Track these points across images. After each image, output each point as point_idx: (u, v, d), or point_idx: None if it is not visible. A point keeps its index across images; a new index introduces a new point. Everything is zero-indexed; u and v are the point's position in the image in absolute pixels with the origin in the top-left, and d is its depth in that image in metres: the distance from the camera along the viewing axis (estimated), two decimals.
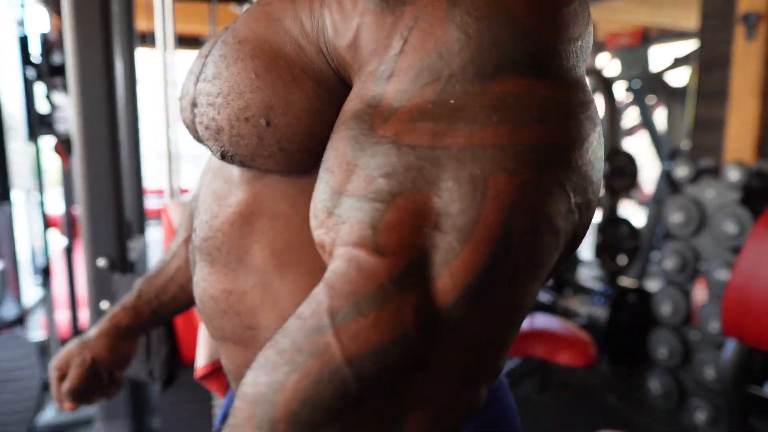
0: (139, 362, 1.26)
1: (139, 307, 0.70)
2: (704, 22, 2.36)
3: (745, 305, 1.68)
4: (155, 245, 2.07)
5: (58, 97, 2.17)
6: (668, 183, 2.96)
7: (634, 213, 4.26)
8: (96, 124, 1.41)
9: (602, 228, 2.88)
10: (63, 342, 2.42)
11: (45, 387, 1.97)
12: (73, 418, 2.08)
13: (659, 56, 4.12)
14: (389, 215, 0.29)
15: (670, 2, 3.44)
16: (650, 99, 4.03)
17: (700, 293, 2.15)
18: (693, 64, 3.34)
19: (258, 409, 0.27)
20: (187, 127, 0.57)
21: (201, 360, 0.94)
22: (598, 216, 2.92)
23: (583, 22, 0.34)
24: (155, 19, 1.47)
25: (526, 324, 1.86)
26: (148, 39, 2.13)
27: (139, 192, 1.77)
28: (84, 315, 2.01)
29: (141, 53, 1.74)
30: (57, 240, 3.03)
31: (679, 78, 3.94)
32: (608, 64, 4.31)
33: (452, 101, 0.30)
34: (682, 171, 2.27)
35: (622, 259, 2.88)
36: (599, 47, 4.22)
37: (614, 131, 2.92)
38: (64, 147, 2.03)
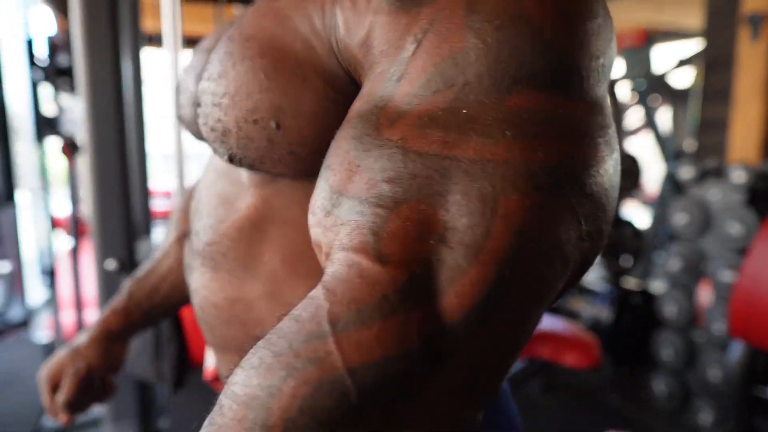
0: (148, 364, 1.27)
1: (130, 310, 0.68)
2: (709, 22, 2.36)
3: (752, 307, 1.68)
4: None
5: (65, 99, 2.18)
6: (672, 184, 2.96)
7: (638, 214, 4.25)
8: (104, 126, 1.41)
9: None
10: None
11: None
12: (80, 419, 2.08)
13: (663, 57, 4.12)
14: (392, 223, 0.28)
15: (674, 1, 3.44)
16: (654, 100, 4.03)
17: (704, 294, 2.15)
18: (697, 64, 3.34)
19: (251, 412, 0.26)
20: (186, 124, 0.55)
21: (211, 361, 0.95)
22: None
23: (607, 39, 0.32)
24: (162, 20, 1.48)
25: None
26: (154, 40, 2.13)
27: (145, 193, 1.78)
28: (90, 316, 2.02)
29: (147, 53, 1.74)
30: (63, 241, 3.04)
31: (683, 79, 3.94)
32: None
33: (464, 111, 0.29)
34: (686, 172, 2.27)
35: (626, 260, 2.88)
36: None
37: (618, 132, 2.92)
38: (70, 149, 2.03)
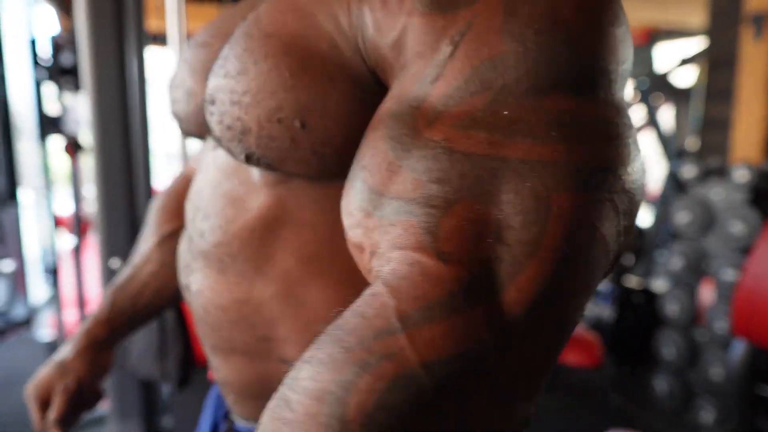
0: (153, 362, 1.27)
1: (113, 319, 0.66)
2: (712, 21, 2.36)
3: (754, 306, 1.69)
4: None
5: (68, 98, 2.18)
6: (675, 183, 2.96)
7: (640, 213, 4.25)
8: (109, 125, 1.42)
9: None
10: None
11: None
12: (84, 418, 2.09)
13: (666, 56, 4.11)
14: (447, 222, 0.29)
15: (677, 0, 3.43)
16: (657, 98, 4.03)
17: (706, 293, 2.15)
18: (700, 63, 3.34)
19: (325, 407, 0.26)
20: (181, 120, 0.53)
21: None
22: None
23: (629, 45, 0.34)
24: (167, 19, 1.48)
25: None
26: (158, 39, 2.13)
27: (149, 192, 1.78)
28: None
29: (152, 53, 1.75)
30: (66, 240, 3.04)
31: (686, 78, 3.94)
32: None
33: (506, 112, 0.30)
34: (689, 171, 2.27)
35: (628, 259, 2.88)
36: None
37: None
38: (73, 147, 2.04)
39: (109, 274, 1.46)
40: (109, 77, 1.39)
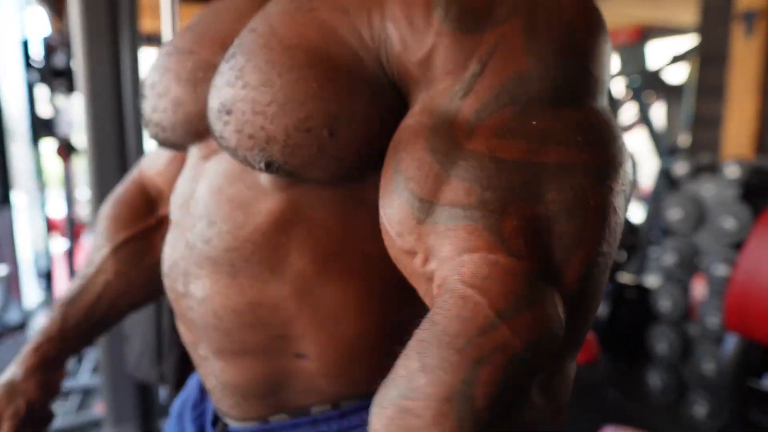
0: (150, 365, 1.27)
1: (66, 334, 0.63)
2: (703, 19, 2.38)
3: (746, 300, 1.71)
4: None
5: (60, 100, 2.17)
6: (667, 179, 2.99)
7: (632, 209, 4.28)
8: (103, 126, 1.41)
9: None
10: None
11: None
12: (80, 422, 2.08)
13: (657, 53, 4.14)
14: (508, 223, 0.33)
15: None
16: (648, 96, 4.06)
17: (698, 289, 2.17)
18: (692, 60, 3.36)
19: (455, 405, 0.30)
20: (163, 128, 0.53)
21: None
22: None
23: (611, 56, 0.40)
24: (161, 20, 1.48)
25: None
26: (153, 40, 2.13)
27: None
28: None
29: (146, 54, 1.74)
30: (59, 243, 3.02)
31: (678, 75, 3.97)
32: None
33: (534, 122, 0.35)
34: (680, 167, 2.29)
35: (620, 255, 2.91)
36: None
37: None
38: (65, 150, 2.03)
39: None
40: (103, 78, 1.39)
